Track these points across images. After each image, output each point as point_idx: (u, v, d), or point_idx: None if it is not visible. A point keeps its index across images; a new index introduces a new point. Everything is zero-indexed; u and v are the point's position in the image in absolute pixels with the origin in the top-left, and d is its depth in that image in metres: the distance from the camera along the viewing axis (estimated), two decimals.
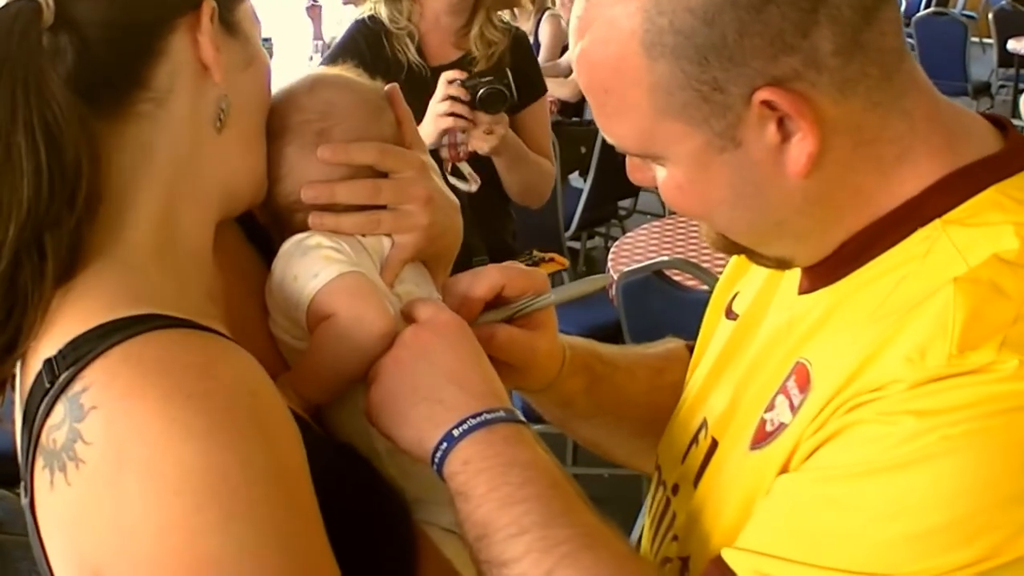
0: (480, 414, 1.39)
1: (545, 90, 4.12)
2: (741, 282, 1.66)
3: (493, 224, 3.95)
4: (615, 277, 4.20)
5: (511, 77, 3.64)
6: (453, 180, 3.69)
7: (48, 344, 1.24)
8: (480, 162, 3.73)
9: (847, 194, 1.31)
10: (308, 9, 9.50)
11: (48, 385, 1.21)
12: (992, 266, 1.21)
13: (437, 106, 3.58)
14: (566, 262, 3.78)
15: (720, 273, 1.80)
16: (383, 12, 3.85)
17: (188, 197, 1.39)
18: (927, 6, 16.79)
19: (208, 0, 1.34)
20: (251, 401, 1.23)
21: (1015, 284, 1.19)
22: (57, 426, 1.19)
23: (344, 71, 1.68)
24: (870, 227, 1.32)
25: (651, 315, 3.99)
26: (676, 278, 4.05)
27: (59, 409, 1.19)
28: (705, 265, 4.09)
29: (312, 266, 1.49)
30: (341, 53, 3.92)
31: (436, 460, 1.38)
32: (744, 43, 1.21)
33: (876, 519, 1.16)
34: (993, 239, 1.23)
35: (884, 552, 1.16)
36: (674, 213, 5.33)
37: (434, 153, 3.80)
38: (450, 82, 3.58)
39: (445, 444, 1.38)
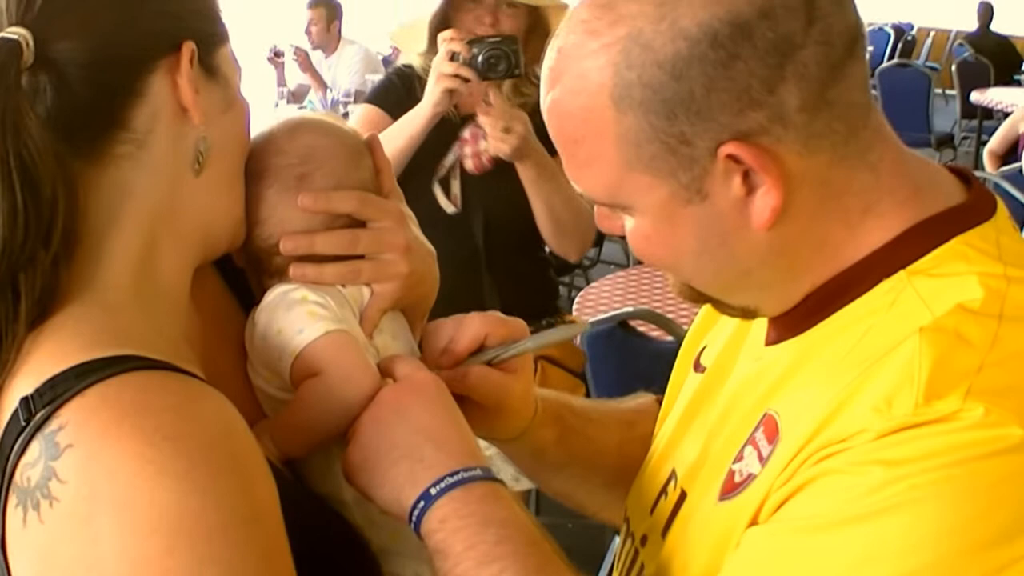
0: (457, 472, 1.39)
1: None
2: (709, 335, 1.67)
3: (525, 284, 3.94)
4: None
5: (520, 46, 3.60)
6: (437, 192, 3.72)
7: (25, 382, 1.23)
8: (515, 224, 3.73)
9: (812, 246, 1.33)
10: (270, 58, 9.52)
11: (24, 423, 1.21)
12: (956, 315, 1.23)
13: (442, 65, 3.55)
14: (587, 324, 3.77)
15: (685, 324, 1.82)
16: (418, 63, 3.87)
17: (166, 239, 1.39)
18: (891, 57, 16.96)
19: (188, 43, 1.34)
20: (227, 444, 1.24)
21: (979, 333, 1.21)
22: (32, 464, 1.19)
23: (325, 117, 1.69)
24: (836, 278, 1.34)
25: (616, 365, 3.98)
26: (641, 328, 4.04)
27: (34, 447, 1.19)
28: (670, 316, 4.08)
29: (297, 321, 1.49)
30: (379, 92, 4.02)
31: (414, 518, 1.38)
32: (711, 98, 1.23)
33: (846, 570, 1.16)
34: (957, 289, 1.25)
35: None
36: (639, 263, 5.37)
37: (436, 160, 3.80)
38: (450, 40, 3.56)
39: (423, 503, 1.38)
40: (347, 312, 1.54)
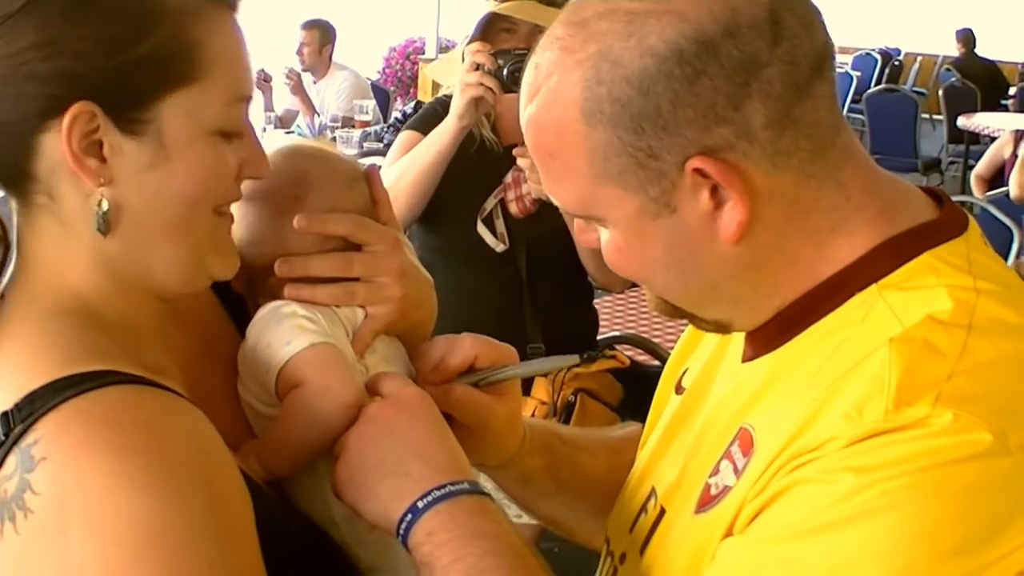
0: (444, 486, 1.40)
1: None
2: (691, 358, 1.68)
3: (567, 317, 3.87)
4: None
5: None
6: (484, 232, 3.67)
7: (4, 397, 1.25)
8: (559, 258, 3.70)
9: (782, 262, 1.34)
10: (258, 82, 9.49)
11: (3, 436, 1.23)
12: (926, 326, 1.24)
13: (465, 76, 3.50)
14: (627, 361, 3.73)
15: (671, 348, 1.82)
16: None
17: (112, 275, 1.39)
18: (878, 82, 17.02)
19: (79, 104, 1.30)
20: (199, 459, 1.25)
21: (949, 343, 1.23)
22: (8, 476, 1.21)
23: (322, 144, 1.69)
24: (808, 294, 1.35)
25: None
26: (627, 353, 4.05)
27: (11, 460, 1.21)
28: (656, 340, 4.10)
29: (285, 334, 1.50)
30: (422, 118, 3.96)
31: (401, 532, 1.38)
32: (678, 113, 1.25)
33: (823, 574, 1.18)
34: (928, 301, 1.26)
35: None
36: (625, 289, 5.37)
37: (481, 190, 3.73)
38: (476, 52, 3.50)
39: (410, 516, 1.38)
40: (338, 330, 1.55)
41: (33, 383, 1.25)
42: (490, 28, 3.68)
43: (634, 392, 3.70)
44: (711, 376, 1.55)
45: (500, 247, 3.67)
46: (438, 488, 1.40)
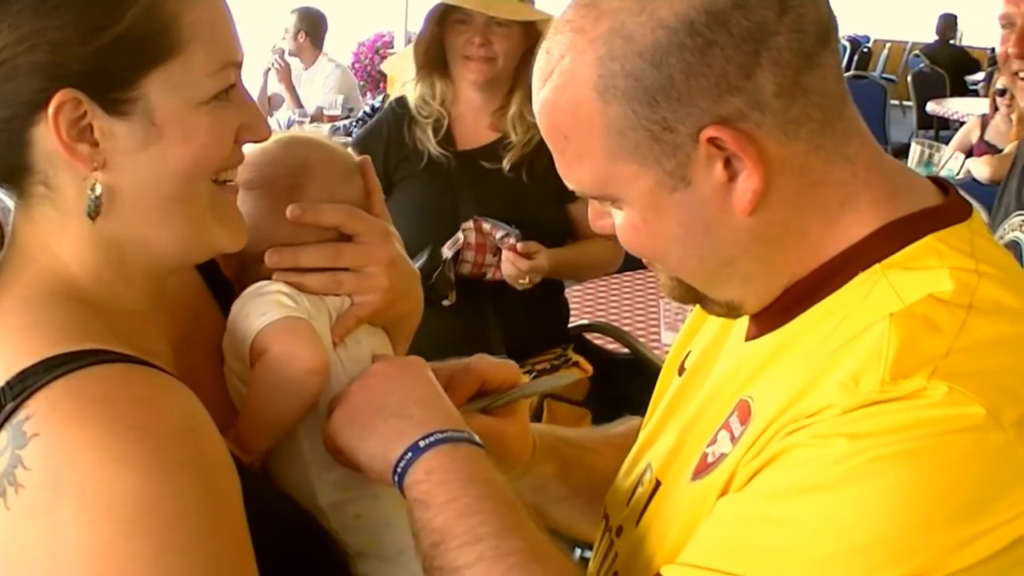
0: (446, 431, 1.45)
1: None
2: (694, 341, 1.70)
3: (533, 315, 3.82)
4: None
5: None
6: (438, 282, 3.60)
7: None
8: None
9: (793, 237, 1.37)
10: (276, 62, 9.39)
11: None
12: (927, 303, 1.27)
13: None
14: (590, 369, 3.70)
15: (641, 336, 1.86)
16: (413, 95, 3.77)
17: (110, 258, 1.41)
18: (847, 69, 17.03)
19: (62, 93, 1.32)
20: (189, 436, 1.28)
21: (949, 321, 1.25)
22: (0, 452, 1.23)
23: (318, 134, 1.76)
24: (814, 273, 1.38)
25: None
26: (596, 341, 4.04)
27: (3, 437, 1.24)
28: (625, 328, 4.09)
29: (263, 307, 1.53)
30: (366, 138, 3.92)
31: (399, 469, 1.42)
32: (690, 84, 1.28)
33: (809, 536, 1.20)
34: (930, 281, 1.29)
35: (817, 567, 1.19)
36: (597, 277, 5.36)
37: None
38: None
39: (410, 454, 1.42)
40: (321, 315, 1.58)
41: (25, 361, 1.27)
42: (443, 21, 3.66)
43: (603, 382, 3.70)
44: (714, 355, 1.59)
45: (447, 302, 3.61)
46: (440, 432, 1.44)
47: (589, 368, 3.68)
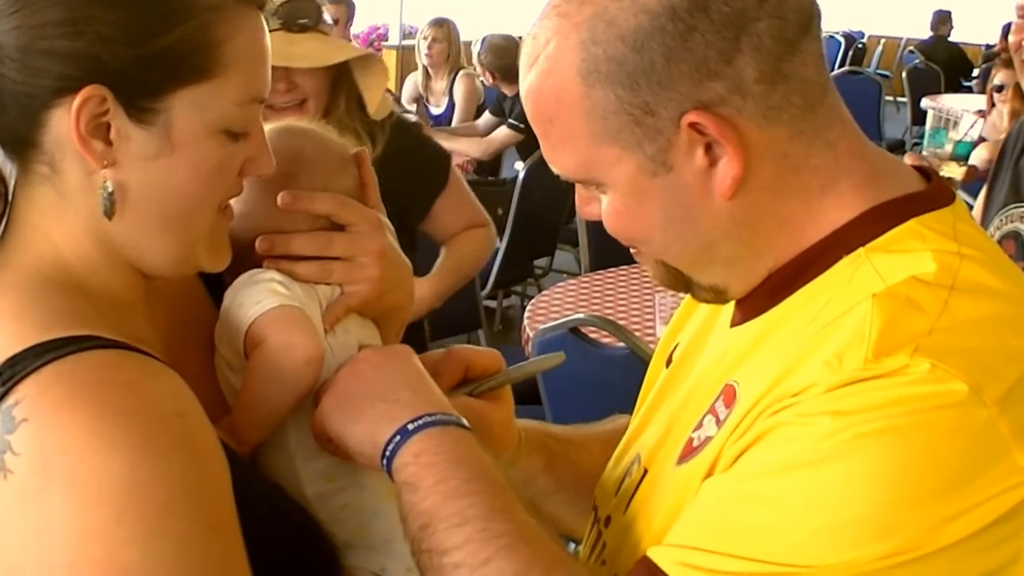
0: (435, 414, 1.45)
1: (446, 173, 3.82)
2: (681, 334, 1.72)
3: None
4: (531, 334, 4.18)
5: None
6: None
7: None
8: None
9: (774, 221, 1.39)
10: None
11: None
12: (909, 284, 1.28)
13: None
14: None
15: (636, 331, 1.88)
16: None
17: (104, 250, 1.41)
18: (842, 65, 17.05)
19: (90, 87, 1.32)
20: (178, 421, 1.28)
21: (931, 301, 1.27)
22: None
23: (315, 125, 1.74)
24: (797, 257, 1.39)
25: (567, 372, 3.98)
26: (592, 335, 4.03)
27: None
28: (621, 322, 4.08)
29: (257, 295, 1.52)
30: None
31: (388, 452, 1.43)
32: (671, 68, 1.30)
33: (794, 512, 1.21)
34: (913, 264, 1.31)
35: (803, 545, 1.20)
36: (590, 272, 5.36)
37: None
38: None
39: (399, 437, 1.42)
40: (312, 303, 1.57)
41: (15, 347, 1.27)
42: None
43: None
44: (700, 344, 1.61)
45: None
46: (429, 415, 1.44)
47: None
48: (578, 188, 1.48)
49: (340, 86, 3.29)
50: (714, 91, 1.30)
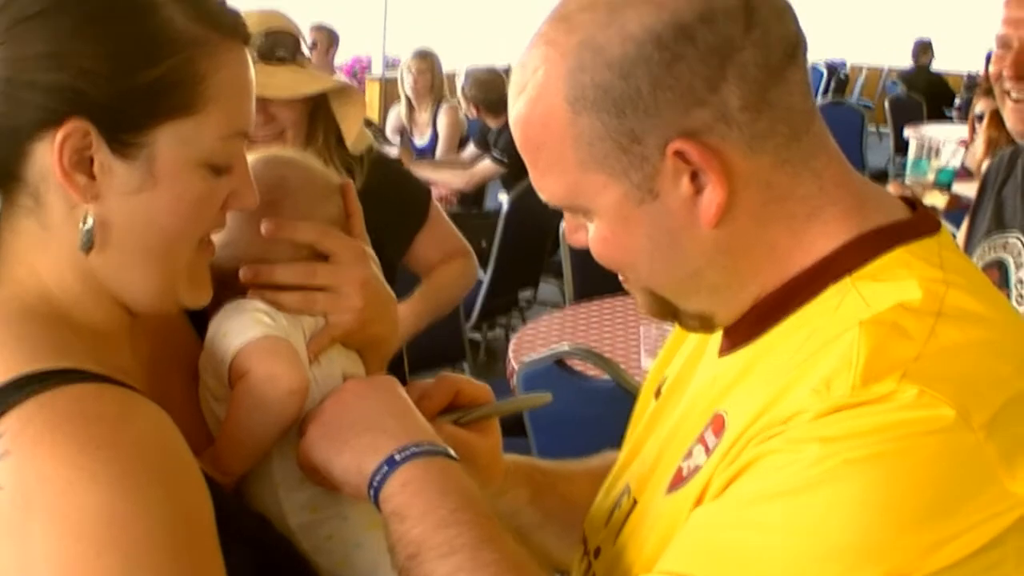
0: (421, 444, 1.45)
1: (426, 208, 3.81)
2: (670, 367, 1.71)
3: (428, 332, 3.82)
4: (516, 366, 4.17)
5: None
6: None
7: None
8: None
9: (759, 249, 1.39)
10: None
11: None
12: (896, 311, 1.28)
13: None
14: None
15: (621, 362, 1.87)
16: None
17: (87, 284, 1.41)
18: (824, 94, 17.13)
19: (72, 121, 1.32)
20: (161, 455, 1.28)
21: (918, 327, 1.27)
22: None
23: (301, 154, 1.75)
24: (784, 286, 1.39)
25: (553, 403, 3.97)
26: (577, 367, 4.03)
27: None
28: (606, 354, 4.08)
29: (242, 325, 1.52)
30: None
31: (375, 482, 1.42)
32: (657, 96, 1.31)
33: (784, 539, 1.21)
34: (899, 291, 1.31)
35: (793, 571, 1.20)
36: (575, 303, 5.36)
37: None
38: None
39: (386, 467, 1.42)
40: (297, 333, 1.56)
41: None
42: None
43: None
44: (689, 375, 1.60)
45: None
46: (416, 445, 1.45)
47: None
48: (566, 215, 1.48)
49: (318, 118, 3.29)
50: (699, 119, 1.31)
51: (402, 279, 3.63)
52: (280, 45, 3.22)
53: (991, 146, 8.10)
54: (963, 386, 1.23)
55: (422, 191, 3.87)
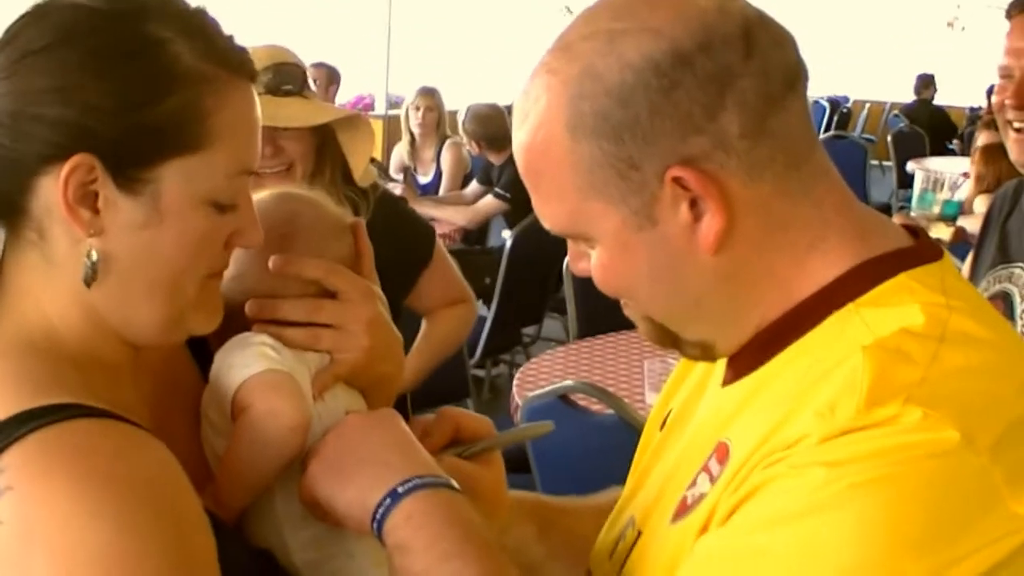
0: (425, 476, 1.45)
1: (430, 248, 3.81)
2: (674, 400, 1.71)
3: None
4: (520, 402, 4.16)
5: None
6: None
7: None
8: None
9: (760, 277, 1.39)
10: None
11: None
12: (899, 336, 1.28)
13: None
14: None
15: (625, 397, 1.87)
16: None
17: (91, 319, 1.41)
18: (827, 129, 17.15)
19: (79, 156, 1.33)
20: (162, 491, 1.27)
21: (921, 351, 1.26)
22: None
23: (314, 192, 1.75)
24: (787, 314, 1.39)
25: (557, 439, 3.95)
26: (581, 402, 4.01)
27: None
28: (610, 389, 4.07)
29: (246, 358, 1.52)
30: None
31: (378, 515, 1.42)
32: (655, 123, 1.31)
33: (790, 564, 1.20)
34: (902, 317, 1.31)
35: None
36: (578, 339, 5.35)
37: None
38: None
39: (389, 500, 1.42)
40: (302, 369, 1.56)
41: (1, 415, 1.27)
42: None
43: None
44: (693, 407, 1.60)
45: None
46: (419, 477, 1.44)
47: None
48: (569, 244, 1.48)
49: (325, 152, 3.27)
50: (698, 146, 1.31)
51: (404, 319, 3.63)
52: (288, 78, 3.23)
53: (979, 180, 8.13)
54: (967, 409, 1.22)
55: (427, 230, 3.86)
